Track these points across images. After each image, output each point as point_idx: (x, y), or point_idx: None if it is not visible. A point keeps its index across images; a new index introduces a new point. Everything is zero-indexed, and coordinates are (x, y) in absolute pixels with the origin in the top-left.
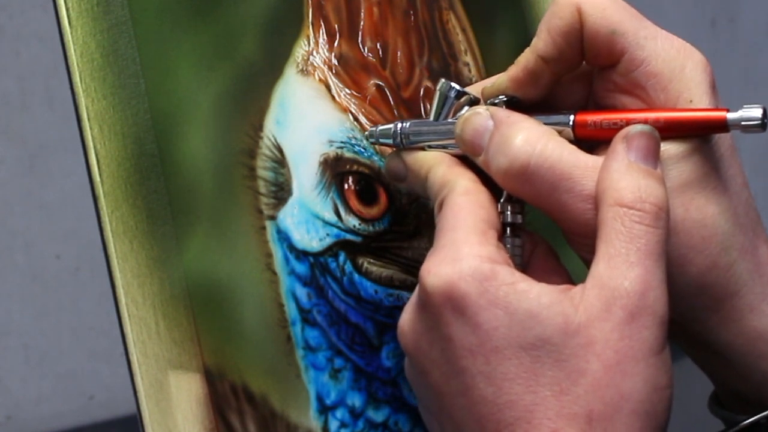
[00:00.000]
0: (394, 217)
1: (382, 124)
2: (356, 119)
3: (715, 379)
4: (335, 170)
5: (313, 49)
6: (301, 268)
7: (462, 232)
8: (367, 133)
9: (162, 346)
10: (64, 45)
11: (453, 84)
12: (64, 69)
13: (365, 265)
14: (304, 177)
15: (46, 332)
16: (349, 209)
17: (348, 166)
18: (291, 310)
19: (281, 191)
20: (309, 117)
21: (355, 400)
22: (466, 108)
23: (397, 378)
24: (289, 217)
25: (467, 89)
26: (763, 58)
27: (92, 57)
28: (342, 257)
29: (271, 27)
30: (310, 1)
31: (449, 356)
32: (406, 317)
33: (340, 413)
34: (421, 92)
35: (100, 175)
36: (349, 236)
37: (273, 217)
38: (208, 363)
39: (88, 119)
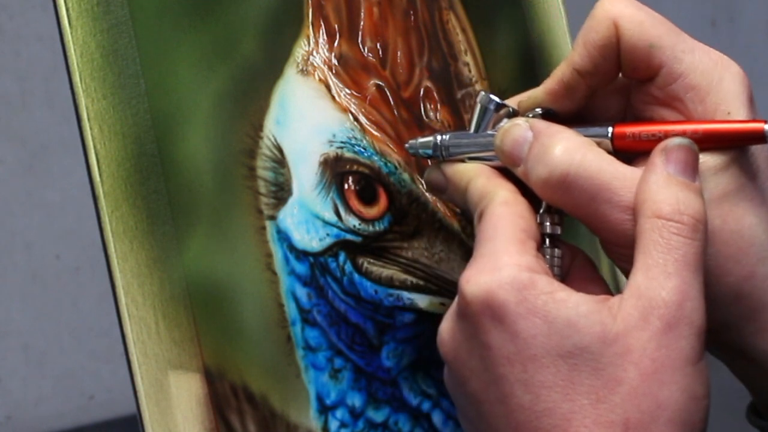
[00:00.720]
0: (394, 217)
1: (422, 137)
2: (356, 119)
3: (752, 388)
4: (335, 170)
5: (313, 49)
6: (301, 268)
7: (501, 241)
8: (407, 145)
9: (162, 346)
10: (64, 45)
11: (492, 96)
12: (64, 69)
13: (365, 265)
14: (304, 177)
15: (46, 332)
16: (349, 209)
17: (348, 166)
18: (291, 310)
19: (281, 191)
20: (309, 117)
21: (355, 400)
22: (505, 120)
23: (397, 378)
24: (289, 217)
25: (506, 102)
26: (763, 58)
27: (92, 57)
28: (342, 257)
29: (271, 27)
30: (310, 1)
31: (488, 364)
32: (446, 326)
33: (340, 413)
34: (421, 92)
35: (100, 175)
36: (349, 236)
37: (273, 217)
38: (208, 363)
39: (88, 119)
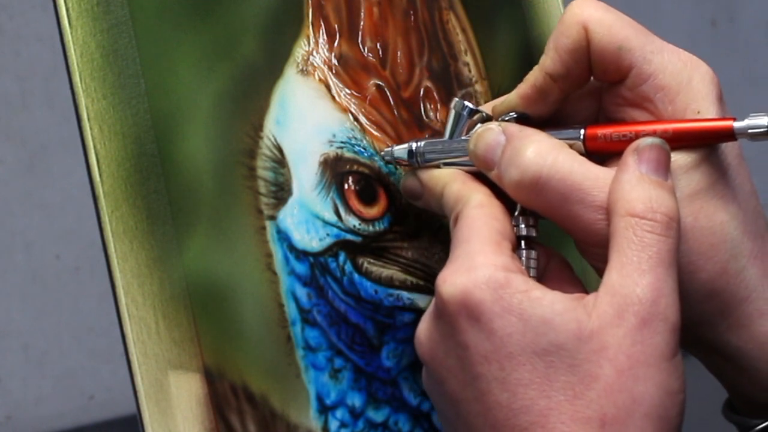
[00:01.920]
0: (394, 217)
1: (398, 144)
2: (356, 119)
3: (727, 384)
4: (335, 170)
5: (313, 49)
6: (301, 268)
7: (476, 242)
8: (382, 153)
9: (162, 346)
10: (64, 45)
11: (466, 102)
12: (64, 69)
13: (365, 265)
14: (304, 177)
15: (46, 332)
16: (349, 209)
17: (348, 166)
18: (291, 310)
19: (281, 191)
20: (309, 117)
21: (355, 400)
22: (479, 125)
23: (397, 378)
24: (289, 217)
25: (480, 108)
26: (763, 58)
27: (92, 57)
28: (342, 257)
29: (271, 27)
30: (310, 1)
31: (465, 363)
32: (423, 327)
33: (340, 413)
34: (421, 92)
35: (100, 175)
36: (349, 236)
37: (273, 217)
38: (208, 363)
39: (88, 119)
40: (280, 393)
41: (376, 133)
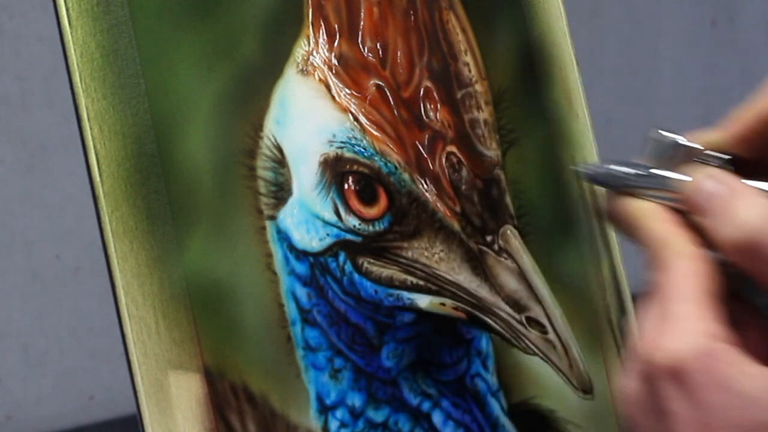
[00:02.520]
0: (394, 217)
1: (593, 164)
2: (356, 119)
3: None
4: (335, 170)
5: (313, 49)
6: (301, 268)
7: (687, 304)
8: (583, 168)
9: (162, 346)
10: (64, 45)
11: (676, 137)
12: (64, 69)
13: (365, 265)
14: (304, 177)
15: (46, 332)
16: (349, 209)
17: (348, 166)
18: (291, 310)
19: (281, 191)
20: (309, 117)
21: (355, 400)
22: (687, 159)
23: (397, 378)
24: (289, 217)
25: (691, 143)
26: (763, 58)
27: (92, 57)
28: (342, 257)
29: (271, 27)
30: (310, 1)
31: (668, 430)
32: (630, 385)
33: (340, 413)
34: (421, 92)
35: (100, 175)
36: (349, 236)
37: (273, 217)
38: (208, 363)
39: (88, 119)
40: (280, 393)
41: (376, 133)
